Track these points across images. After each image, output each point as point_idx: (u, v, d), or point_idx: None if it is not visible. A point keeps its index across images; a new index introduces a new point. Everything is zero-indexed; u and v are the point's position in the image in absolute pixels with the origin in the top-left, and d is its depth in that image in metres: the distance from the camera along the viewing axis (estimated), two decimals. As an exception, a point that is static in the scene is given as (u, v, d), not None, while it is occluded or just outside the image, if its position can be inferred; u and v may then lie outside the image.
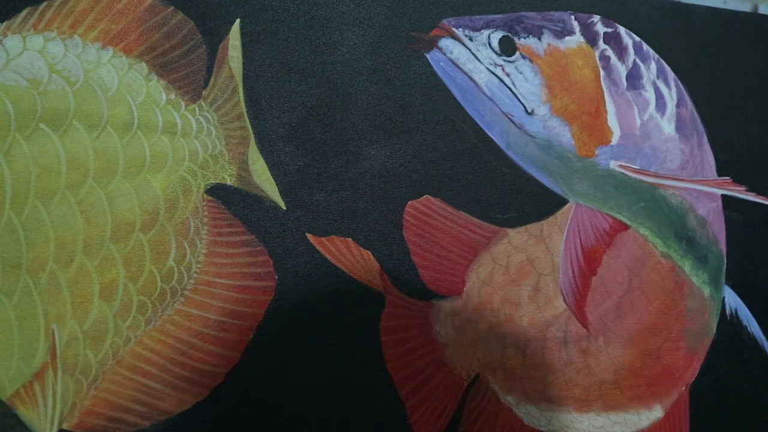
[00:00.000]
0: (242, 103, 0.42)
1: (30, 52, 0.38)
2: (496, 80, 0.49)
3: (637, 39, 0.54)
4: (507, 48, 0.50)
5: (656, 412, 0.51)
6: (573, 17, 0.53)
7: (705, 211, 0.56)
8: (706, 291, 0.55)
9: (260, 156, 0.42)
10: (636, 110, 0.54)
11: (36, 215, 0.36)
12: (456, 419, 0.44)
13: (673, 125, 0.56)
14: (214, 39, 0.42)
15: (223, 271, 0.40)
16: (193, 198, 0.40)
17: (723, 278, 0.56)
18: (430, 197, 0.46)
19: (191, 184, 0.40)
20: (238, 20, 0.43)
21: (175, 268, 0.39)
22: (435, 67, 0.48)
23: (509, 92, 0.49)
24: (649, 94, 0.53)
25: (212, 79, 0.42)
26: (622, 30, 0.53)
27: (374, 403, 0.42)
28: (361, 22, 0.46)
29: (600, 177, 0.51)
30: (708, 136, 0.58)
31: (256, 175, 0.42)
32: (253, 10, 0.43)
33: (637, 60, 0.53)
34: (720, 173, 0.57)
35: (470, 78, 0.48)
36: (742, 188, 0.58)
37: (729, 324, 0.55)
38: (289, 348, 0.41)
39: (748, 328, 0.56)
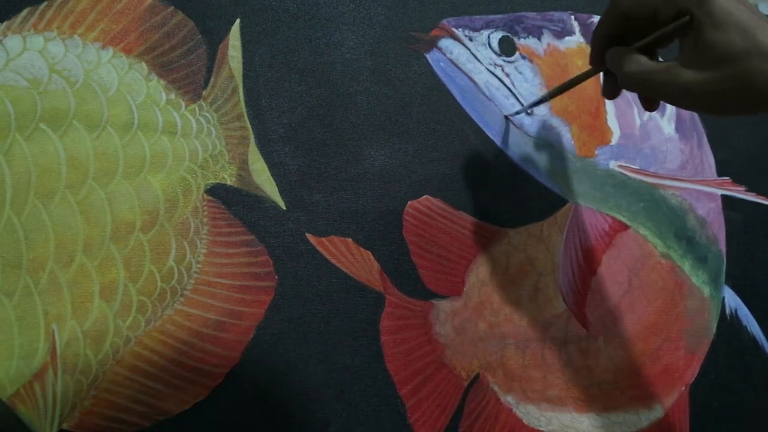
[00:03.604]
0: (242, 103, 0.42)
1: (30, 52, 0.38)
2: (496, 80, 0.49)
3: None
4: (507, 48, 0.50)
5: (656, 412, 0.51)
6: (573, 17, 0.53)
7: (705, 211, 0.56)
8: (706, 291, 0.55)
9: (260, 156, 0.42)
10: (636, 110, 0.54)
11: (36, 215, 0.36)
12: (456, 419, 0.44)
13: (672, 125, 0.56)
14: (214, 39, 0.42)
15: (223, 271, 0.40)
16: (193, 198, 0.40)
17: (723, 278, 0.56)
18: (430, 197, 0.46)
19: (191, 184, 0.40)
20: (238, 20, 0.43)
21: (175, 268, 0.39)
22: (435, 67, 0.48)
23: (509, 92, 0.49)
24: (649, 94, 0.53)
25: (212, 79, 0.42)
26: (621, 30, 0.53)
27: (374, 403, 0.42)
28: (361, 22, 0.46)
29: (600, 177, 0.51)
30: (708, 136, 0.58)
31: (256, 175, 0.42)
32: (253, 10, 0.43)
33: (637, 60, 0.53)
34: (720, 173, 0.57)
35: (470, 78, 0.48)
36: (742, 188, 0.58)
37: (729, 324, 0.55)
38: (289, 348, 0.41)
39: (748, 328, 0.56)
